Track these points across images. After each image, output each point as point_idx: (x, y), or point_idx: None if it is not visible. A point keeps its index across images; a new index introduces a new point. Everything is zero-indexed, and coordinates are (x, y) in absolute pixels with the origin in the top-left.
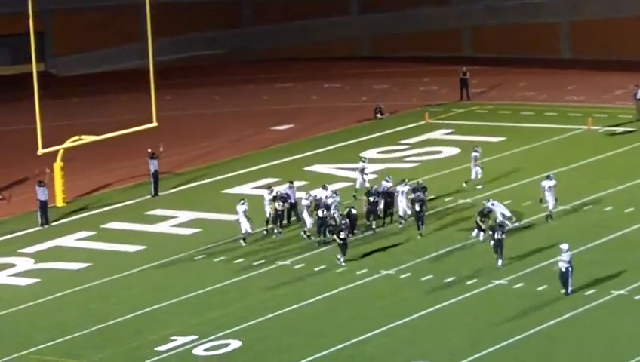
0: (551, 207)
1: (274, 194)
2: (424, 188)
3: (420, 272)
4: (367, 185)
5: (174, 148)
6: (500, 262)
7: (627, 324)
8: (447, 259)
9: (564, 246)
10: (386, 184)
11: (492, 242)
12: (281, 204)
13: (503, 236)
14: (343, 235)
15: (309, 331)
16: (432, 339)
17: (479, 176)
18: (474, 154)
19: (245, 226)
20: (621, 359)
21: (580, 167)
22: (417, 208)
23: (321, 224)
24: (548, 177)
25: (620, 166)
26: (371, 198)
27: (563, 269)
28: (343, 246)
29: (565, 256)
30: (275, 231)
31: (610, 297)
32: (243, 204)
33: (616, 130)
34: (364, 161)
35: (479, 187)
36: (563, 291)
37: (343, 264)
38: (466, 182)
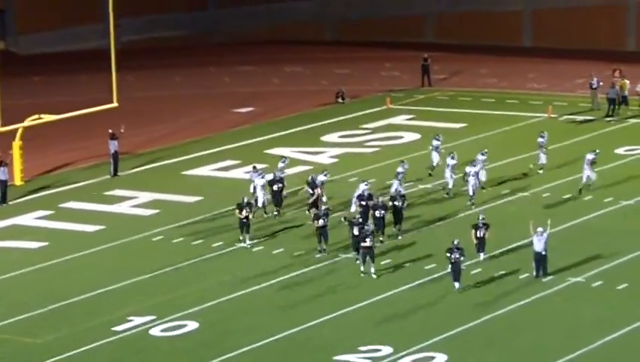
0: (592, 178)
1: (266, 179)
2: (403, 197)
3: (379, 257)
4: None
5: (135, 129)
6: (457, 285)
7: (584, 311)
8: (407, 244)
9: (541, 229)
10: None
11: (450, 266)
12: (280, 185)
13: (461, 258)
14: (368, 242)
15: (267, 313)
16: (390, 324)
17: (544, 162)
18: (540, 139)
19: (262, 198)
20: (578, 345)
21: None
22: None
23: (276, 199)
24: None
25: (579, 154)
26: (377, 213)
27: (540, 251)
28: (370, 254)
29: (541, 239)
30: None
31: (567, 284)
32: (262, 176)
33: (576, 118)
34: (438, 139)
35: (541, 172)
36: (535, 274)
37: (374, 275)
38: (532, 166)
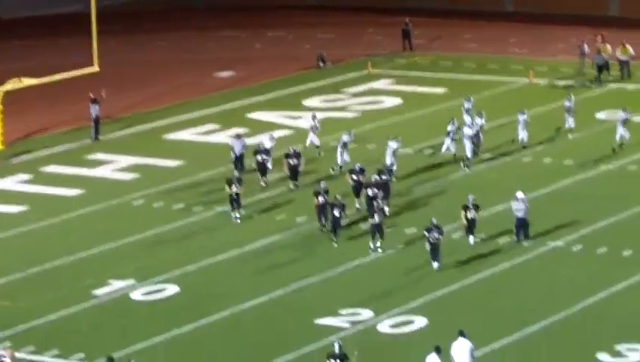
0: (626, 137)
1: (287, 151)
2: (391, 171)
3: (362, 222)
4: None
5: (116, 94)
6: (436, 265)
7: (564, 275)
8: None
9: (520, 194)
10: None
11: (428, 246)
12: (294, 160)
13: (440, 238)
14: (377, 219)
15: (247, 277)
16: (370, 287)
17: (572, 126)
18: (567, 103)
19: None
20: (558, 309)
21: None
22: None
23: (294, 175)
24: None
25: (560, 119)
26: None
27: (520, 216)
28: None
29: (521, 204)
30: (291, 186)
31: (548, 248)
32: (243, 144)
33: (557, 83)
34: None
35: (571, 136)
36: (516, 238)
37: (379, 250)
38: (557, 129)
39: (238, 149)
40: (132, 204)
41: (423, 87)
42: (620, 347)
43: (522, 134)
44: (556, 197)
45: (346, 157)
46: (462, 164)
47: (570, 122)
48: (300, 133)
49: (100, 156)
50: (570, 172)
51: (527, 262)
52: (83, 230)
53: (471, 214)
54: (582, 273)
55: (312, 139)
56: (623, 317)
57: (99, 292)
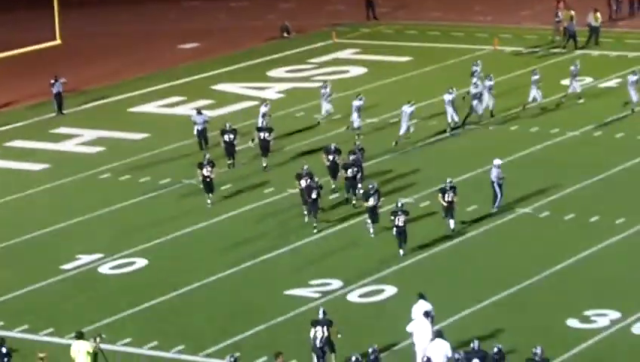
0: (635, 100)
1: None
2: (362, 150)
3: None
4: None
5: (79, 67)
6: (402, 252)
7: (532, 242)
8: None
9: (497, 161)
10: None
11: (394, 230)
12: (266, 134)
13: (406, 222)
14: (372, 201)
15: (216, 249)
16: (340, 258)
17: (578, 90)
18: (572, 68)
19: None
20: (526, 276)
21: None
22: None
23: (228, 150)
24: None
25: (526, 85)
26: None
27: (494, 181)
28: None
29: (496, 171)
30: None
31: (516, 215)
32: (205, 119)
33: (521, 50)
34: (536, 73)
35: (580, 101)
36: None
37: (372, 235)
38: (564, 97)
39: (199, 125)
40: (98, 178)
41: (387, 56)
42: (588, 312)
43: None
44: (524, 164)
45: (359, 122)
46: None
47: (577, 88)
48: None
49: (64, 130)
50: (537, 138)
51: (495, 229)
52: (49, 205)
53: (449, 197)
54: (550, 240)
55: (326, 107)
56: (591, 283)
57: (67, 266)
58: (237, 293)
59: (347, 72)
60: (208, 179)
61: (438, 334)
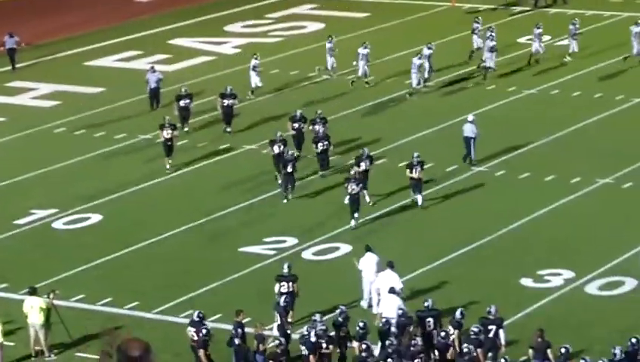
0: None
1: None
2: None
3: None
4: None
5: (34, 20)
6: (353, 223)
7: (487, 200)
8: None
9: (471, 117)
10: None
11: (347, 198)
12: (230, 100)
13: (359, 190)
14: (363, 166)
15: (171, 205)
16: (295, 215)
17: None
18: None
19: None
20: (481, 234)
21: (444, 43)
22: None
23: (184, 115)
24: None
25: (480, 43)
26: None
27: (469, 136)
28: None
29: (471, 127)
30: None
31: (471, 173)
32: (158, 77)
33: (479, 7)
34: (478, 22)
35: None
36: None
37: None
38: (569, 56)
39: (152, 83)
40: (53, 132)
41: (345, 12)
42: (542, 272)
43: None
44: (479, 122)
45: (366, 69)
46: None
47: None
48: (223, 59)
49: (18, 84)
50: (493, 96)
51: (450, 189)
52: (3, 158)
53: (416, 172)
54: (505, 199)
55: (331, 61)
56: (545, 243)
57: (21, 221)
58: (191, 250)
59: (305, 27)
60: (169, 143)
61: (390, 265)
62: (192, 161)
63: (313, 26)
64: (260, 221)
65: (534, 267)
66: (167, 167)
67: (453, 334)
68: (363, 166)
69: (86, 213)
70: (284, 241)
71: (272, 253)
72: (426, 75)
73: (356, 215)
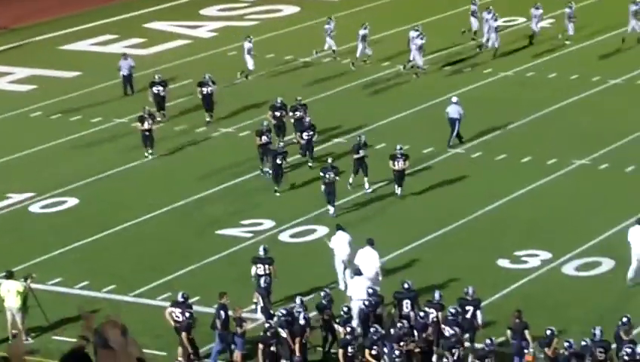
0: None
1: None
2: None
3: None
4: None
5: (9, 4)
6: (332, 210)
7: (465, 182)
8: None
9: (454, 98)
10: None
11: (323, 187)
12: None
13: (337, 178)
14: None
15: (148, 187)
16: (272, 198)
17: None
18: (567, 10)
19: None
20: (458, 216)
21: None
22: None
23: (158, 102)
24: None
25: (466, 21)
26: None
27: (454, 117)
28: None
29: (457, 108)
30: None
31: (448, 155)
32: (131, 64)
33: None
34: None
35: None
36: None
37: (368, 190)
38: (567, 40)
39: (125, 70)
40: (29, 116)
41: None
42: (519, 253)
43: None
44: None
45: (368, 50)
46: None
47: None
48: (199, 42)
49: None
50: (469, 78)
51: (428, 170)
52: None
53: (399, 165)
54: (481, 180)
55: (330, 42)
56: (522, 224)
57: None
58: (169, 233)
59: (280, 10)
60: (147, 133)
61: (369, 242)
62: (169, 144)
63: (289, 10)
64: (238, 204)
65: (511, 248)
66: (148, 155)
67: (433, 315)
68: (361, 153)
69: (62, 196)
70: (262, 224)
71: (249, 235)
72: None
73: (334, 203)
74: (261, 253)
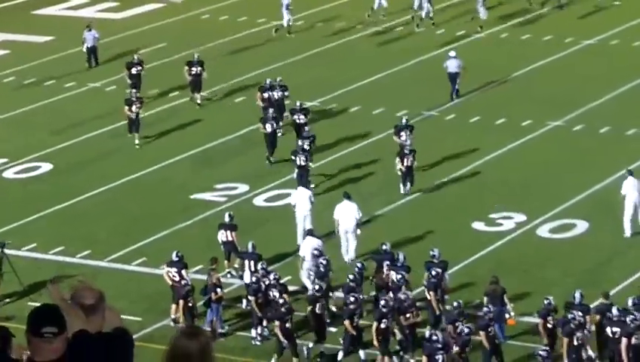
0: None
1: None
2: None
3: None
4: None
5: None
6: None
7: (438, 145)
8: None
9: (452, 52)
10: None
11: (295, 171)
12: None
13: (310, 163)
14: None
15: (122, 152)
16: (245, 161)
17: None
18: None
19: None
20: (433, 178)
21: None
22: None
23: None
24: None
25: None
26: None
27: (454, 71)
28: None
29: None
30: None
31: (421, 118)
32: (94, 36)
33: None
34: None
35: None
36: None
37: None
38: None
39: (89, 41)
40: (2, 82)
41: None
42: (494, 216)
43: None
44: (427, 69)
45: (383, 1)
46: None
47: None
48: (172, 6)
49: None
50: (441, 40)
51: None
52: None
53: (407, 162)
54: (455, 143)
55: (286, 17)
56: (497, 186)
57: None
58: (143, 198)
59: None
60: (134, 116)
61: (346, 196)
62: (144, 109)
63: None
64: (212, 167)
65: (486, 211)
66: (137, 142)
67: (406, 276)
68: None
69: (36, 161)
70: (236, 188)
71: (223, 199)
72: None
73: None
74: (226, 219)
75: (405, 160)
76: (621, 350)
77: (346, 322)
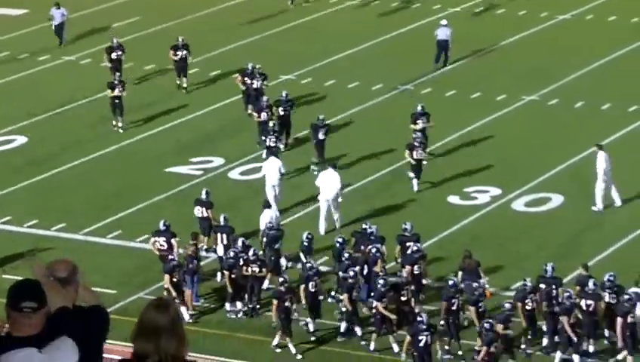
0: None
1: None
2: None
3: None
4: None
5: None
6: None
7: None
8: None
9: (444, 21)
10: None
11: (265, 151)
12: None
13: (282, 148)
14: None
15: (97, 126)
16: (219, 137)
17: None
18: None
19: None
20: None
21: None
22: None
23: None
24: None
25: None
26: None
27: (443, 39)
28: None
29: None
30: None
31: (396, 92)
32: (63, 14)
33: None
34: None
35: None
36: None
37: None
38: None
39: (57, 19)
40: None
41: None
42: (469, 189)
43: None
44: (405, 42)
45: None
46: None
47: None
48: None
49: None
50: (420, 15)
51: (377, 106)
52: None
53: (417, 154)
54: (432, 116)
55: None
56: (472, 160)
57: None
58: (118, 171)
59: None
60: (117, 100)
61: (332, 165)
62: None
63: None
64: (186, 140)
65: (461, 184)
66: (120, 125)
67: (381, 248)
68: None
69: (11, 135)
70: (211, 161)
71: (199, 173)
72: None
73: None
74: (203, 195)
75: (415, 152)
76: (591, 322)
77: (345, 296)
